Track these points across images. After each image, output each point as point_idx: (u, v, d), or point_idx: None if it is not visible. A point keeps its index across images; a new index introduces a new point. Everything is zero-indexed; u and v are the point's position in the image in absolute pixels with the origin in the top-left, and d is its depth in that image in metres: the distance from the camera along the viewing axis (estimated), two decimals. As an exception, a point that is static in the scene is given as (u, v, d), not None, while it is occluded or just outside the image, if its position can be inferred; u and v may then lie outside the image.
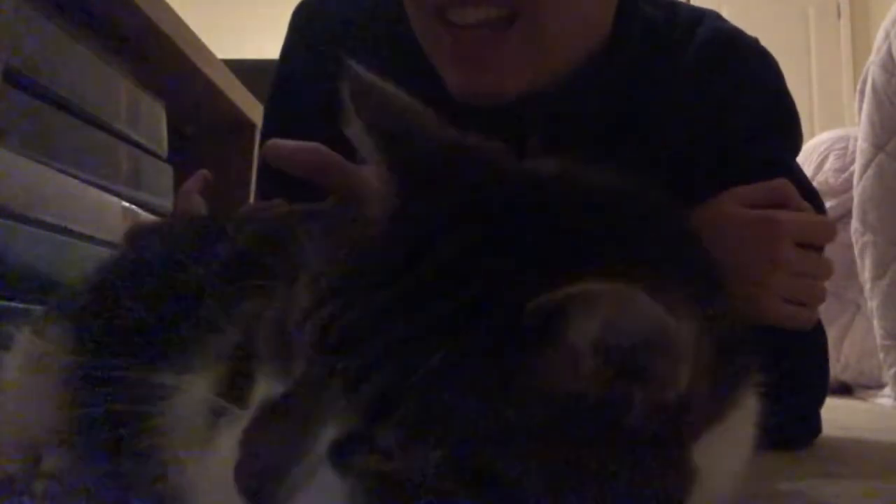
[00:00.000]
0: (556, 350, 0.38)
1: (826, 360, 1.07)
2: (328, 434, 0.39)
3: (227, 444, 0.44)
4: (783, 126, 1.05)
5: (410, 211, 0.44)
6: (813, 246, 0.91)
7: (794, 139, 1.07)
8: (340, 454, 0.39)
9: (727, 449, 0.46)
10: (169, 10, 1.47)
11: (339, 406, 0.38)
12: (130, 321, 0.61)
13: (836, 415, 1.50)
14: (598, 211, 0.45)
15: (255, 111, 1.90)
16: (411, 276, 0.40)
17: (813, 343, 1.02)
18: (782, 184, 0.93)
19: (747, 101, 1.01)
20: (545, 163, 0.50)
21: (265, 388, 0.43)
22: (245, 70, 1.91)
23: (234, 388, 0.48)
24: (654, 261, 0.41)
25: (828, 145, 2.41)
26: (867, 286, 1.92)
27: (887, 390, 2.00)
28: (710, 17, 1.07)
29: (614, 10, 0.98)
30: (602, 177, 0.49)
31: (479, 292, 0.39)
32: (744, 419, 0.48)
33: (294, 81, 1.10)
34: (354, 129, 0.46)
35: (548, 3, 0.87)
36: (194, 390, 0.52)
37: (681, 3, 1.10)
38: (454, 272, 0.40)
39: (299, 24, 1.13)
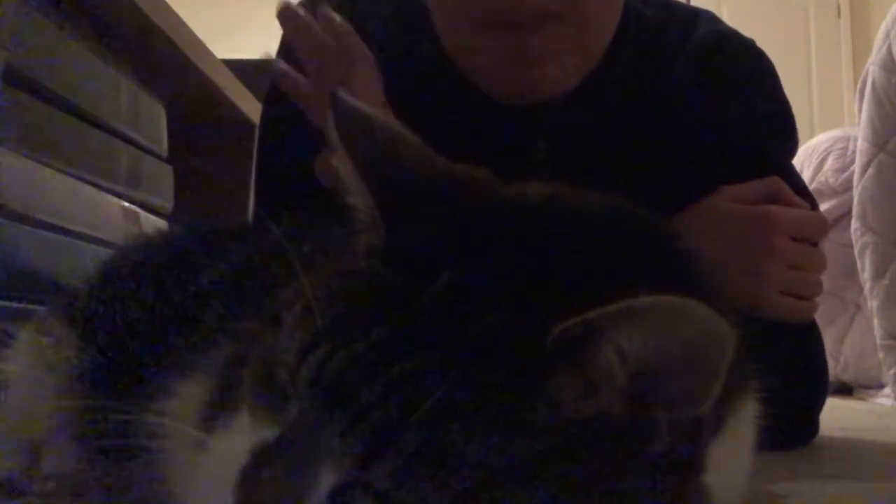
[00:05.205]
0: (580, 373, 0.37)
1: (823, 359, 1.07)
2: (327, 480, 0.37)
3: (212, 463, 0.44)
4: (779, 128, 1.05)
5: (396, 242, 0.43)
6: (806, 240, 0.92)
7: (789, 141, 1.07)
8: (340, 501, 0.37)
9: (730, 460, 0.45)
10: (169, 10, 1.47)
11: (336, 449, 0.37)
12: (130, 325, 0.62)
13: (836, 415, 1.50)
14: (593, 233, 0.45)
15: (254, 111, 1.89)
16: (408, 311, 0.39)
17: (808, 341, 1.02)
18: (774, 181, 0.93)
19: (744, 104, 1.01)
20: (532, 186, 0.49)
21: (254, 429, 0.41)
22: (245, 70, 1.91)
23: (216, 411, 0.47)
24: (654, 278, 0.41)
25: (828, 145, 2.40)
26: (867, 286, 1.91)
27: (887, 390, 1.99)
28: (705, 19, 1.06)
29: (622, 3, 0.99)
30: (588, 197, 0.48)
31: (482, 323, 0.38)
32: (744, 427, 0.48)
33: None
34: (338, 158, 0.46)
35: None
36: (184, 400, 0.52)
37: (673, 2, 1.09)
38: (454, 304, 0.39)
39: None
